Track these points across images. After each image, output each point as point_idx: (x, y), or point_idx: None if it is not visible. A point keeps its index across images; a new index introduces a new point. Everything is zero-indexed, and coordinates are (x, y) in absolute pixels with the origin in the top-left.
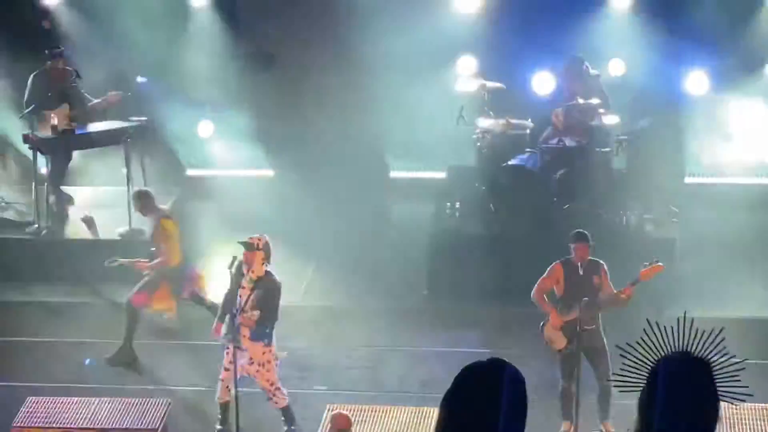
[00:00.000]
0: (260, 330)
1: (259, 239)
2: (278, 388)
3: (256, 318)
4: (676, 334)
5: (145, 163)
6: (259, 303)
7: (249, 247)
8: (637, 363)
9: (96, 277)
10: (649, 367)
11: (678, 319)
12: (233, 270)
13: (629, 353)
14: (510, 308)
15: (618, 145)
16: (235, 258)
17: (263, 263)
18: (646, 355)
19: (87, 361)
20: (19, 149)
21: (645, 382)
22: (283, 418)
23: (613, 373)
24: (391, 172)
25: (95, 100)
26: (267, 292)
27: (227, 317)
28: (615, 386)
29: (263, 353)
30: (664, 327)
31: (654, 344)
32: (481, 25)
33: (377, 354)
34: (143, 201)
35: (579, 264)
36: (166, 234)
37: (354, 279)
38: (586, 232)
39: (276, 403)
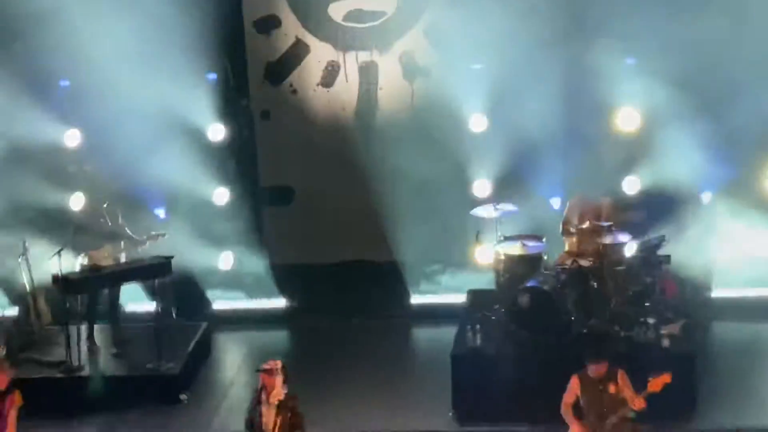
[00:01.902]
0: None
1: (276, 363)
2: None
3: None
4: None
5: (171, 299)
6: (290, 425)
7: (269, 372)
8: None
9: (130, 411)
10: None
11: None
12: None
13: None
14: (534, 426)
15: (633, 262)
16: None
17: (283, 386)
18: None
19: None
20: (50, 289)
21: None
22: None
23: None
24: (413, 297)
25: (138, 239)
26: (294, 413)
27: None
28: None
29: None
30: None
31: None
32: (493, 148)
33: None
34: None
35: (596, 376)
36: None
37: (378, 402)
38: (601, 351)
39: None
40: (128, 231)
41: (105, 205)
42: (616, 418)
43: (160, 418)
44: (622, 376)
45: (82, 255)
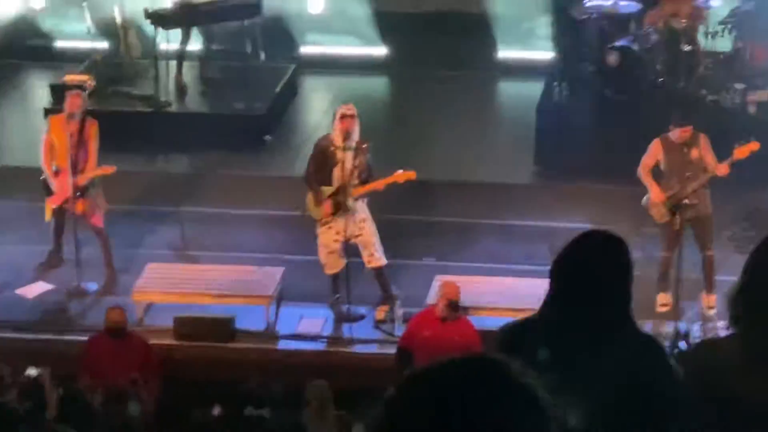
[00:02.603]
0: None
1: (353, 107)
2: (379, 242)
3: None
4: None
5: (259, 39)
6: (366, 168)
7: (348, 116)
8: None
9: (215, 150)
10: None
11: None
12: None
13: None
14: (614, 185)
15: (723, 27)
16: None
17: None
18: None
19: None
20: (141, 24)
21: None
22: (377, 281)
23: None
24: (499, 52)
25: None
26: (367, 155)
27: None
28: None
29: (365, 209)
30: None
31: None
32: None
33: (483, 228)
34: None
35: (679, 140)
36: None
37: (460, 154)
38: (686, 114)
39: (377, 260)
40: None
41: None
42: (696, 183)
43: (244, 158)
44: (704, 140)
45: None
